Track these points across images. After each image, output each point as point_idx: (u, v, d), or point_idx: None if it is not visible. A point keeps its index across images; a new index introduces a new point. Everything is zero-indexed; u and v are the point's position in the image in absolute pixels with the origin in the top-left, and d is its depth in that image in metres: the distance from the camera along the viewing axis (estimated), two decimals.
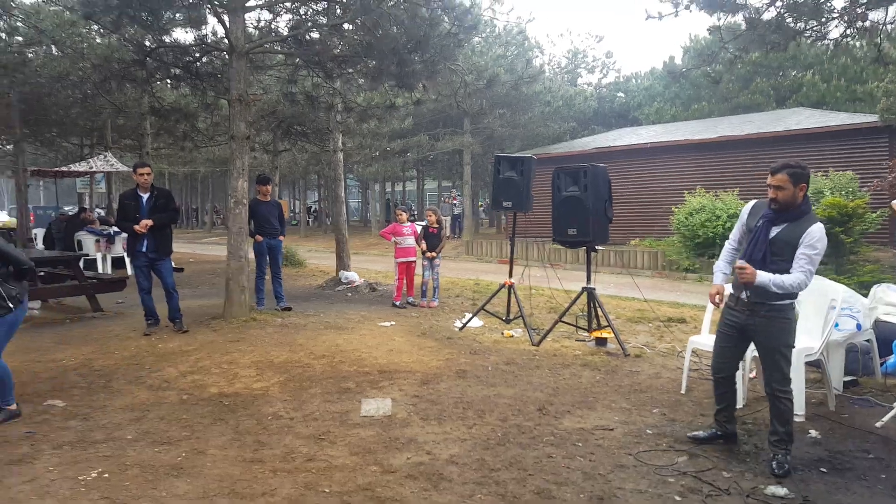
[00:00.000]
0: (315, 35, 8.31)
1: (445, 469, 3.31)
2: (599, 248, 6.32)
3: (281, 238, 8.14)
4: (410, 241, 8.40)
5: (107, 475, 3.19)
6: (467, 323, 6.97)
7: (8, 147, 21.68)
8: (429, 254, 8.39)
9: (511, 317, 7.02)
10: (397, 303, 8.30)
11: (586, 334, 6.24)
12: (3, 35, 13.35)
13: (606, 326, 5.99)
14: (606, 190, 6.04)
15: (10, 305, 3.93)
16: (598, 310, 6.09)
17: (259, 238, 7.83)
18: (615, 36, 74.53)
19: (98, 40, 13.29)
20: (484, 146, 23.06)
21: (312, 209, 39.25)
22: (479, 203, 30.20)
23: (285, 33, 8.47)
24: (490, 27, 22.68)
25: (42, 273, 8.39)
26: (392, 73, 7.78)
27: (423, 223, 8.85)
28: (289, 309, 7.73)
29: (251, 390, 4.60)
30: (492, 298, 7.21)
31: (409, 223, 8.58)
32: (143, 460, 3.37)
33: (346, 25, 8.06)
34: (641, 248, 14.69)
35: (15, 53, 12.90)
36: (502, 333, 6.62)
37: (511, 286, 6.99)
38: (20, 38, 13.53)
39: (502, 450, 3.57)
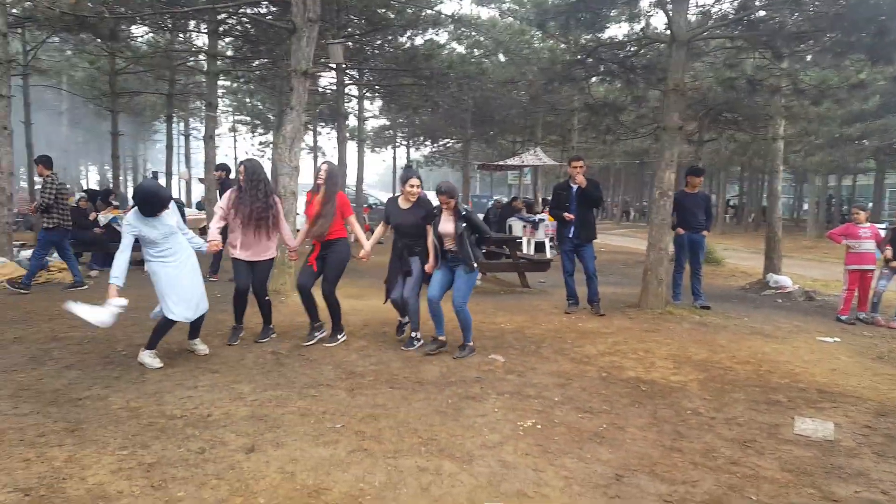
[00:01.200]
0: (762, 13, 7.82)
1: None
2: None
3: (705, 233, 7.96)
4: (869, 245, 7.19)
5: (539, 426, 3.75)
6: None
7: (458, 146, 26.93)
8: (894, 263, 7.04)
9: None
10: (843, 317, 7.22)
11: None
12: (464, 49, 16.52)
13: None
14: None
15: (475, 265, 5.07)
16: None
17: (681, 231, 7.83)
18: None
19: (538, 45, 15.26)
20: None
21: (731, 203, 36.91)
22: None
23: (725, 15, 8.21)
24: None
25: (485, 251, 10.21)
26: (864, 45, 6.78)
27: (884, 225, 7.47)
28: (707, 307, 7.54)
29: (668, 381, 4.71)
30: None
31: (867, 224, 7.36)
32: (568, 421, 3.84)
33: None
34: None
35: (475, 64, 15.82)
36: None
37: None
38: (479, 51, 16.53)
39: None
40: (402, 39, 16.18)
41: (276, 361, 4.94)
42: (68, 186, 8.28)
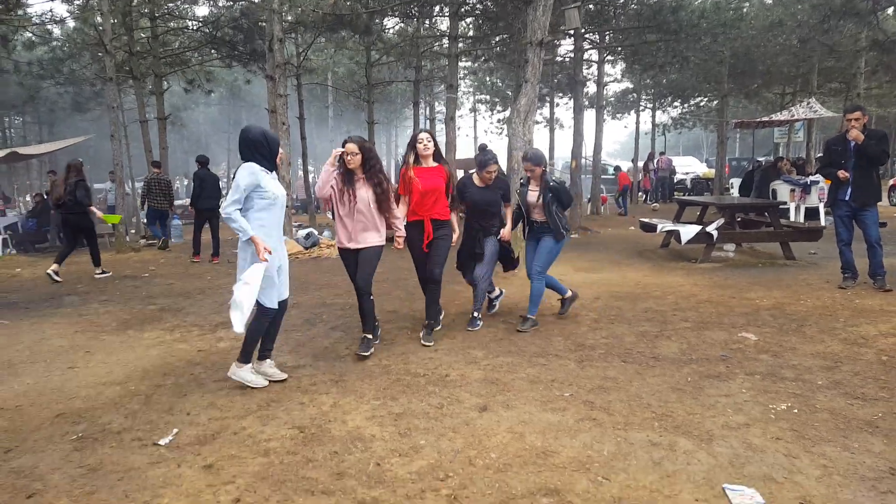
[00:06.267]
0: None
1: None
2: None
3: None
4: None
5: (795, 411, 3.42)
6: None
7: (713, 103, 24.73)
8: None
9: None
10: None
11: None
12: None
13: None
14: None
15: (564, 233, 5.20)
16: None
17: None
18: None
19: None
20: None
21: None
22: None
23: None
24: None
25: (739, 219, 9.37)
26: None
27: None
28: None
29: None
30: None
31: None
32: (833, 407, 3.43)
33: None
34: None
35: (731, 10, 14.40)
36: None
37: None
38: None
39: None
40: None
41: (507, 330, 5.22)
42: (167, 180, 12.29)
